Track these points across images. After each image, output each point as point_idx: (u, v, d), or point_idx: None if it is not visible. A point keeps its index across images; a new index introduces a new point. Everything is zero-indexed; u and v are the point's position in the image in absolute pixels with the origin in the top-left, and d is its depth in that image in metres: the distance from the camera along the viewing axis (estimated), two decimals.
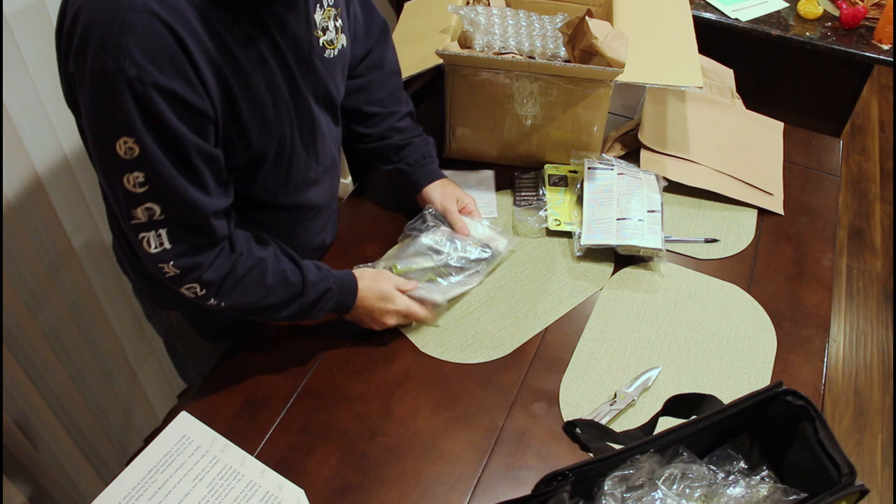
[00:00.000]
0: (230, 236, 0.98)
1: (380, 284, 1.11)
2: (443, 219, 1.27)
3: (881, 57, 1.96)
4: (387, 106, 1.27)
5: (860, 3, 2.05)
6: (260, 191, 1.04)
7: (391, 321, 1.13)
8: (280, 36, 0.92)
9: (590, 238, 1.27)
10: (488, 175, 1.44)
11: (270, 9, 0.90)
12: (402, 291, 1.13)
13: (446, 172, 1.34)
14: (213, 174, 0.91)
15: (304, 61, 0.98)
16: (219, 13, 0.84)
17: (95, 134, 0.83)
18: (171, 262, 0.92)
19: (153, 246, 0.90)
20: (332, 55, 1.04)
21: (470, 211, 1.28)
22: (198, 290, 0.96)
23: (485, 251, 1.24)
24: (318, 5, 0.99)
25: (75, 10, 0.80)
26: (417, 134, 1.31)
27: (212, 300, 0.98)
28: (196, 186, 0.88)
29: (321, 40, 1.01)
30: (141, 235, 0.89)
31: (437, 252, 1.22)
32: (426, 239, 1.23)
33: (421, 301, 1.15)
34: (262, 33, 0.90)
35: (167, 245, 0.90)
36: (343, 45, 1.07)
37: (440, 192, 1.28)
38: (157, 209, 0.87)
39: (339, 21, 1.06)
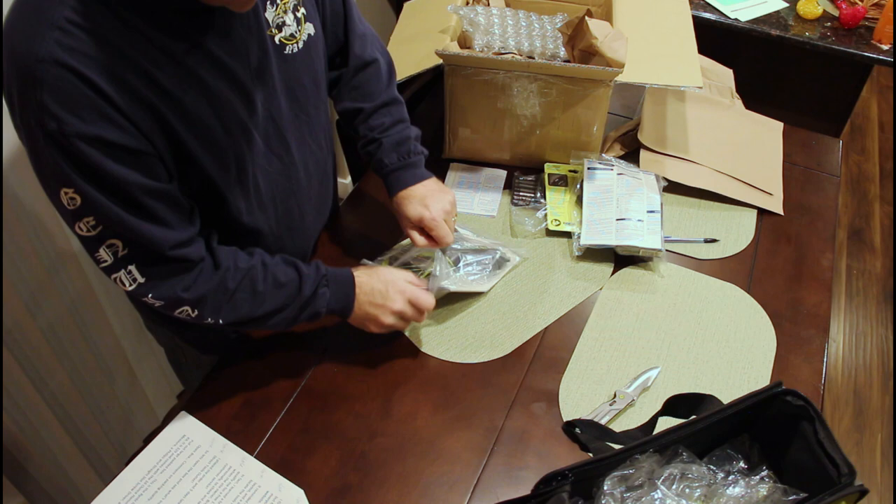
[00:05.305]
0: (213, 254, 0.94)
1: (378, 270, 1.06)
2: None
3: (881, 57, 1.96)
4: (356, 101, 1.17)
5: (860, 3, 2.05)
6: (233, 212, 0.99)
7: (398, 306, 1.03)
8: (220, 50, 0.85)
9: (589, 238, 1.27)
10: (498, 174, 1.44)
11: (199, 26, 0.82)
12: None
13: (452, 166, 1.27)
14: (170, 208, 0.87)
15: (259, 69, 0.91)
16: (135, 41, 0.77)
17: (42, 185, 0.81)
18: (151, 295, 0.89)
19: (127, 284, 0.87)
20: (294, 50, 0.97)
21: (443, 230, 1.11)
22: (190, 311, 0.93)
23: (495, 250, 1.24)
24: (268, 2, 0.92)
25: (1, 63, 0.76)
26: (390, 125, 1.17)
27: (208, 319, 0.95)
28: (151, 222, 0.84)
29: (277, 38, 0.94)
30: (113, 276, 0.86)
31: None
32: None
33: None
34: (190, 50, 0.82)
35: (140, 279, 0.87)
36: (311, 34, 1.00)
37: (416, 203, 1.12)
38: (119, 244, 0.84)
39: (302, 10, 0.99)
